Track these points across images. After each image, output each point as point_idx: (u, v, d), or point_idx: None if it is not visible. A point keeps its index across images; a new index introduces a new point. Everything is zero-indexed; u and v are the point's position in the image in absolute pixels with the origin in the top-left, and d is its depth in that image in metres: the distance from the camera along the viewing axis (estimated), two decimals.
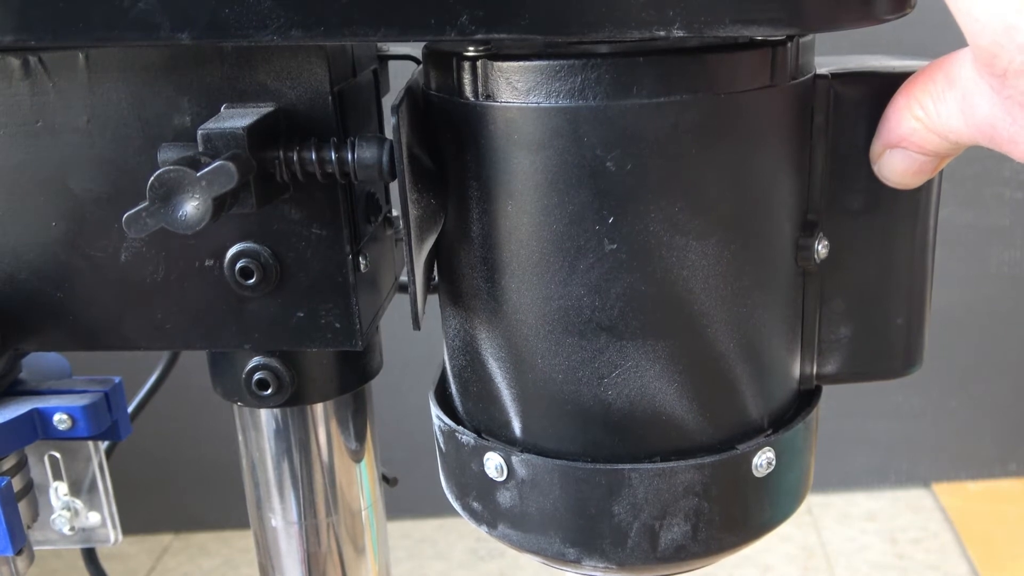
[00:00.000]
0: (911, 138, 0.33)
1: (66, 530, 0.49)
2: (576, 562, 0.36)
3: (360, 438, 0.48)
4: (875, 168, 0.35)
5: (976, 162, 1.45)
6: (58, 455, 0.47)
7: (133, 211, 0.30)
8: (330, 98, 0.35)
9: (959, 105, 0.31)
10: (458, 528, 1.64)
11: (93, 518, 0.49)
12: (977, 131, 0.31)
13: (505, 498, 0.37)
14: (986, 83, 0.29)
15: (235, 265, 0.37)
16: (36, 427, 0.43)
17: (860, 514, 1.62)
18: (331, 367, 0.44)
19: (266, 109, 0.34)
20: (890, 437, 1.64)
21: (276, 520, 0.48)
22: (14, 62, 0.36)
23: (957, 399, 1.61)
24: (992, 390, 1.61)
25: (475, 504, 0.38)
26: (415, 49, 0.44)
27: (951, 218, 1.48)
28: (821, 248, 0.36)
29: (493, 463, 0.36)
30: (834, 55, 0.37)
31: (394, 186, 0.35)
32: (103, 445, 0.48)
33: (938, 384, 1.60)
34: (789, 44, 0.33)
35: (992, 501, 1.61)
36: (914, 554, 1.51)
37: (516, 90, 0.32)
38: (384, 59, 0.45)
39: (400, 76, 0.39)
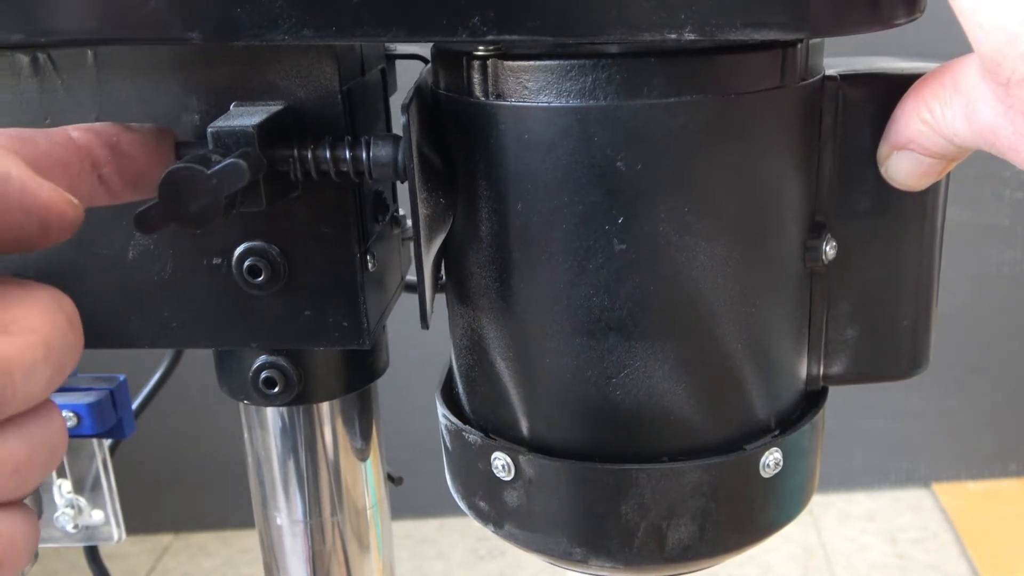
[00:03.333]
0: (918, 140, 0.33)
1: (70, 528, 0.49)
2: (583, 562, 0.36)
3: (366, 437, 0.48)
4: (882, 170, 0.35)
5: (976, 162, 1.45)
6: None
7: (143, 209, 0.30)
8: (339, 97, 0.35)
9: (964, 110, 0.31)
10: (459, 528, 1.64)
11: (97, 516, 0.49)
12: (980, 137, 0.31)
13: (512, 498, 0.37)
14: (990, 90, 0.29)
15: (243, 263, 0.37)
16: None
17: (860, 514, 1.62)
18: (338, 366, 0.44)
19: (276, 107, 0.34)
20: (890, 437, 1.64)
21: (281, 518, 0.48)
22: (23, 59, 0.36)
23: (957, 399, 1.61)
24: (992, 390, 1.61)
25: (482, 503, 0.38)
26: (423, 48, 0.44)
27: (951, 218, 1.46)
28: (829, 249, 0.36)
29: (500, 462, 0.36)
30: (843, 56, 0.37)
31: (402, 185, 0.35)
32: (107, 443, 0.48)
33: (938, 384, 1.60)
34: (799, 45, 0.33)
35: (992, 501, 1.62)
36: (914, 554, 1.52)
37: (526, 90, 0.32)
38: (392, 58, 0.45)
39: (406, 75, 0.39)
